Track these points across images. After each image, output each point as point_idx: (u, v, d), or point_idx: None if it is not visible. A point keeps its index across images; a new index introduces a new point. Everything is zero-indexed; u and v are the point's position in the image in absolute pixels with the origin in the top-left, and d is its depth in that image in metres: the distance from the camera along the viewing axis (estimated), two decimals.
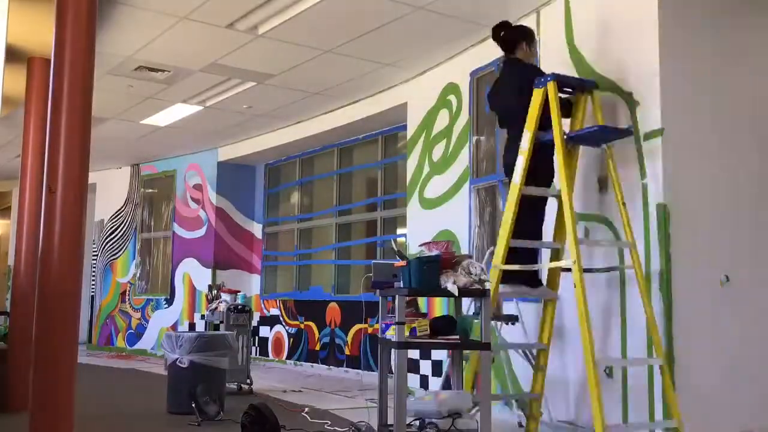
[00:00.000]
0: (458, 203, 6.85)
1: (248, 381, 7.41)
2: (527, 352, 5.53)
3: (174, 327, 11.56)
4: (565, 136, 4.65)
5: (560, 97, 4.74)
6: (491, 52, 6.48)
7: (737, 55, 5.13)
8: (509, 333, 5.63)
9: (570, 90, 4.94)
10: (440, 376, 6.90)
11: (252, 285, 11.30)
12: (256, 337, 10.89)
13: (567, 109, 4.95)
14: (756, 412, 4.73)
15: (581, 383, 4.97)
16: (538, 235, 4.98)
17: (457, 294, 4.13)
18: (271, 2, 5.87)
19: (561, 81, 4.79)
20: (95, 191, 13.14)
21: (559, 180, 4.59)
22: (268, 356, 10.72)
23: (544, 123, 4.73)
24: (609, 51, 5.19)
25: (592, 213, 5.14)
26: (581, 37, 5.46)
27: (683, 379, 4.53)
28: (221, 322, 7.53)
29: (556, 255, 4.93)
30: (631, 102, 4.91)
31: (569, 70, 5.53)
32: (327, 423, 5.49)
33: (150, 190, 12.77)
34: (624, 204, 4.62)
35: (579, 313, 4.18)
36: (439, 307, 6.93)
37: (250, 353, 7.64)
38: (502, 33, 5.16)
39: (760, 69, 5.23)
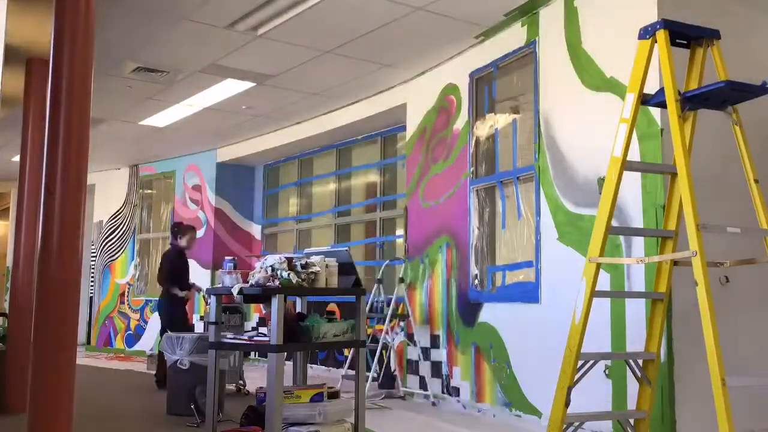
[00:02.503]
0: (458, 204, 6.85)
1: (241, 383, 7.31)
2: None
3: None
4: (680, 97, 3.84)
5: None
6: (490, 52, 6.51)
7: None
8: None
9: (683, 42, 4.13)
10: (439, 377, 6.90)
11: None
12: None
13: None
14: (756, 413, 4.72)
15: None
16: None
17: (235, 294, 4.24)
18: (270, 3, 5.86)
19: (673, 30, 3.97)
20: (94, 192, 13.13)
21: (674, 151, 3.80)
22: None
23: None
24: (612, 51, 5.19)
25: None
26: (583, 38, 5.46)
27: (683, 378, 4.54)
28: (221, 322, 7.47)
29: (665, 244, 4.16)
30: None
31: (569, 71, 5.54)
32: None
33: (149, 191, 12.77)
34: (757, 182, 3.86)
35: (704, 320, 3.36)
36: (439, 298, 6.94)
37: (242, 354, 7.55)
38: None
39: None
